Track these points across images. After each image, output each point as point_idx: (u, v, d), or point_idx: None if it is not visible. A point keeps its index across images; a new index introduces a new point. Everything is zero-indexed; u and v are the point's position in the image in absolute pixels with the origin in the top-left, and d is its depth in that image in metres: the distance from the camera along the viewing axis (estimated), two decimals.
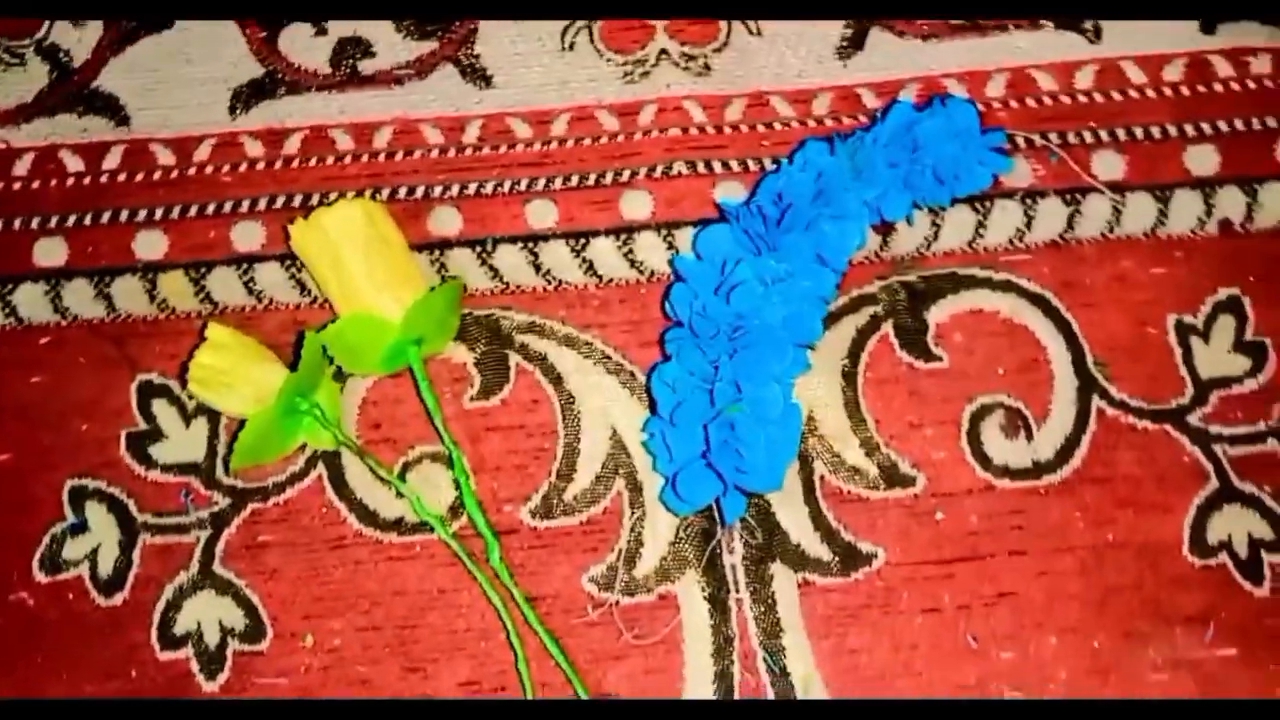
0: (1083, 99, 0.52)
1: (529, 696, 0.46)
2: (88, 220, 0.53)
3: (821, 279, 0.48)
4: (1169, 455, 0.50)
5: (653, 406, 0.48)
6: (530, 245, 0.52)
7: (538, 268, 0.52)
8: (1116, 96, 0.52)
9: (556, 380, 0.50)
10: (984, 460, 0.50)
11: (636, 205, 0.52)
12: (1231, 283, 0.51)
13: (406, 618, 0.49)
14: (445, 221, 0.52)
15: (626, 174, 0.52)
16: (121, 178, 0.53)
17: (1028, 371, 0.50)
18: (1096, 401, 0.50)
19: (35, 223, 0.53)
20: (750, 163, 0.52)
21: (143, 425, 0.50)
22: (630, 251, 0.52)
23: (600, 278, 0.52)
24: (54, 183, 0.53)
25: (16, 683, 0.48)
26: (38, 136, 0.54)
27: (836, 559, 0.49)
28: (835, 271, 0.49)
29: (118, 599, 0.49)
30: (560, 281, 0.52)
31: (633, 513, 0.49)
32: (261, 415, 0.48)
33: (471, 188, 0.52)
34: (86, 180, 0.53)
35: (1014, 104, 0.52)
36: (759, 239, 0.48)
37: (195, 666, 0.48)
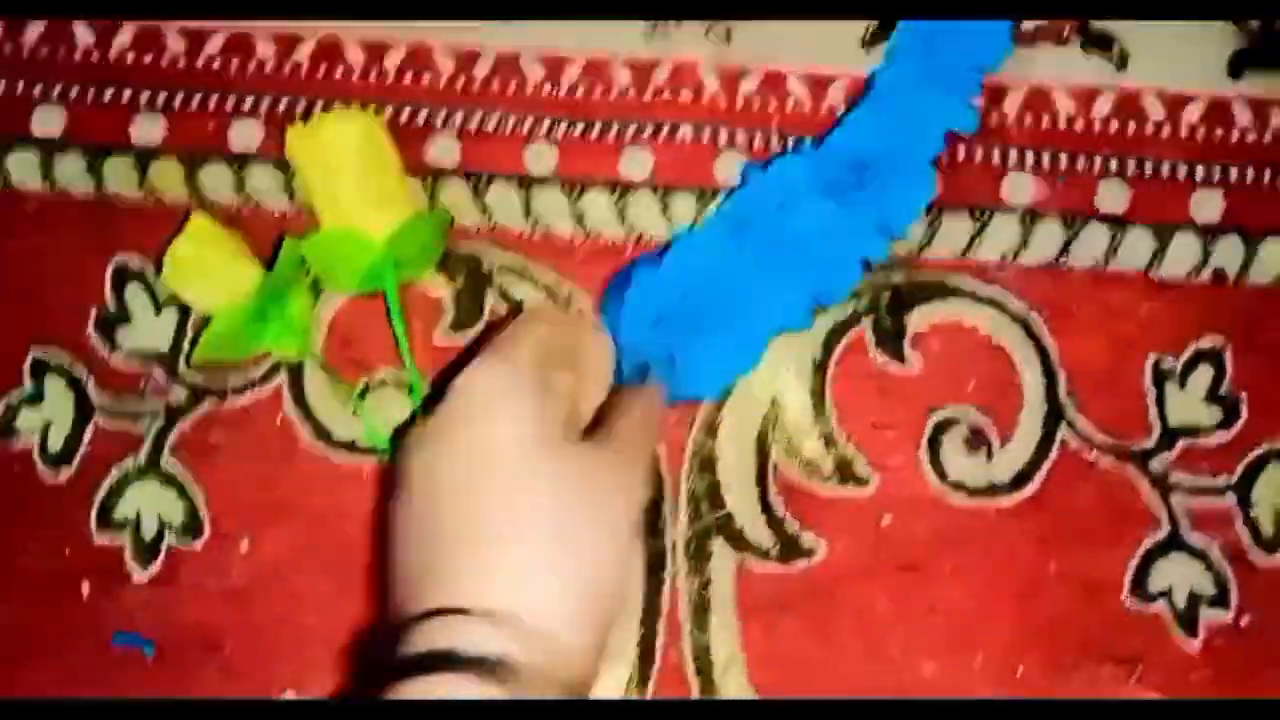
0: (1098, 126, 0.51)
1: None
2: (90, 96, 0.52)
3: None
4: (1125, 496, 0.49)
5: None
6: (525, 187, 0.51)
7: (528, 211, 0.51)
8: (1132, 129, 0.51)
9: None
10: (940, 472, 0.49)
11: (636, 165, 0.51)
12: (1216, 332, 0.50)
13: (346, 539, 0.49)
14: (444, 151, 0.52)
15: (631, 131, 0.52)
16: (130, 58, 0.53)
17: (999, 391, 0.50)
18: (1062, 432, 0.50)
19: (38, 90, 0.52)
20: (757, 138, 0.51)
21: (113, 307, 0.50)
22: (624, 209, 0.51)
23: (588, 232, 0.51)
24: (63, 53, 0.53)
25: None
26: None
27: (778, 547, 0.49)
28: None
29: (63, 476, 0.49)
30: (549, 228, 0.51)
31: None
32: (231, 311, 0.48)
33: (475, 121, 0.52)
34: (94, 57, 0.53)
35: (1028, 120, 0.51)
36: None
37: (129, 554, 0.48)
